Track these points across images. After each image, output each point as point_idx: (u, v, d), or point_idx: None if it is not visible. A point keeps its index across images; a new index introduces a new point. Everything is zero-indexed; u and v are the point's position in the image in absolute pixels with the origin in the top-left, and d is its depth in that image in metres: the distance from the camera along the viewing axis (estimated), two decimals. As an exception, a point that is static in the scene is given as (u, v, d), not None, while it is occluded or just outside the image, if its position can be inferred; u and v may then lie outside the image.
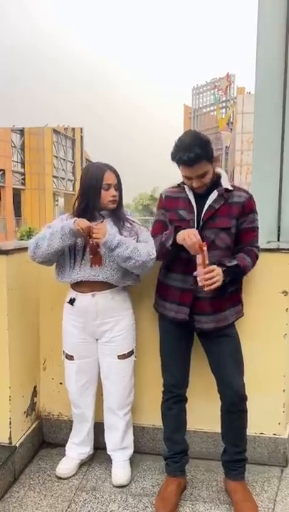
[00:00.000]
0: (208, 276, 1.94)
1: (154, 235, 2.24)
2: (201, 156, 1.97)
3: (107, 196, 2.20)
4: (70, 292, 2.31)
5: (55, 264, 2.29)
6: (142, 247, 2.13)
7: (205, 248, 1.93)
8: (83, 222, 2.07)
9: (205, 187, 2.08)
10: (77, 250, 2.19)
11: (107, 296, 2.24)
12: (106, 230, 2.06)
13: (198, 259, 1.94)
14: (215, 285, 1.96)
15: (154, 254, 2.14)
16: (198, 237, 1.96)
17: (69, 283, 2.26)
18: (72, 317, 2.29)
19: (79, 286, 2.25)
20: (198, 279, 1.97)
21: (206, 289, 1.97)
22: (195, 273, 1.98)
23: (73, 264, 2.20)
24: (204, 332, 2.15)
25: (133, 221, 2.30)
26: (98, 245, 2.07)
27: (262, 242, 2.28)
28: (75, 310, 2.27)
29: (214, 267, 1.96)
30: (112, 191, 2.20)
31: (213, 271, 1.95)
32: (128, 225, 2.26)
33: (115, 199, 2.22)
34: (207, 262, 1.94)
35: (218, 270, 1.96)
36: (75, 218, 2.13)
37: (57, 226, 2.13)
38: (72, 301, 2.27)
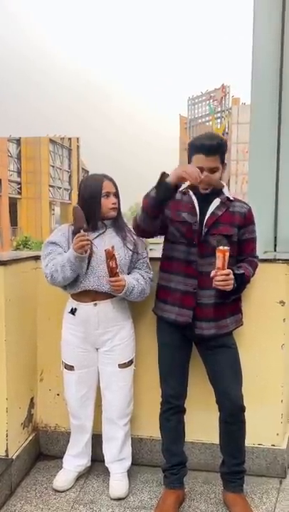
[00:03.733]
0: (224, 278, 1.98)
1: None
2: (221, 148, 2.06)
3: (108, 204, 2.23)
4: (70, 302, 2.31)
5: None
6: (144, 283, 2.25)
7: (228, 254, 1.96)
8: (77, 241, 2.10)
9: (210, 187, 2.10)
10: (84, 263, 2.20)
11: (109, 305, 2.25)
12: (124, 282, 2.14)
13: (219, 263, 1.97)
14: (226, 288, 2.00)
15: (151, 278, 2.29)
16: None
17: (72, 292, 2.27)
18: (73, 327, 2.29)
19: (80, 295, 2.26)
20: (215, 278, 1.99)
21: (218, 287, 1.99)
22: (212, 273, 1.99)
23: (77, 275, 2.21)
24: (203, 341, 2.16)
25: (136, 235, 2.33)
26: (117, 266, 2.13)
27: (258, 253, 2.30)
28: (76, 320, 2.27)
29: (230, 271, 2.00)
30: (112, 199, 2.25)
31: (229, 274, 1.99)
32: (132, 239, 2.30)
33: (115, 206, 2.26)
34: (226, 267, 1.98)
35: (232, 275, 2.00)
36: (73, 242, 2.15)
37: (63, 259, 2.16)
38: (73, 311, 2.27)
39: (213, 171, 2.07)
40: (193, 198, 2.16)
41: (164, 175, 1.97)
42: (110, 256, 2.11)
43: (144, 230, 2.13)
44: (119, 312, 2.29)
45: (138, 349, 2.41)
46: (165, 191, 1.97)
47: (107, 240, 2.25)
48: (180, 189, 2.20)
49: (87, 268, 2.20)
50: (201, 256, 2.09)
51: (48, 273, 2.20)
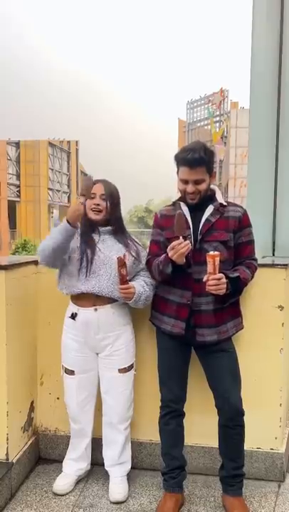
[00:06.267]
0: (216, 282, 1.99)
1: (150, 254, 2.30)
2: (204, 160, 2.07)
3: (90, 205, 2.25)
4: (70, 307, 2.33)
5: (57, 275, 2.33)
6: (149, 289, 2.26)
7: (218, 259, 1.98)
8: (74, 207, 2.12)
9: (198, 197, 2.12)
10: (83, 264, 2.22)
11: (109, 310, 2.26)
12: (134, 289, 2.17)
13: (209, 268, 1.99)
14: (219, 292, 2.02)
15: (154, 284, 2.28)
16: (184, 245, 2.00)
17: (72, 293, 2.28)
18: (74, 331, 2.31)
19: (81, 300, 2.27)
20: (207, 283, 2.01)
21: (211, 291, 2.02)
22: (204, 278, 2.01)
23: (78, 275, 2.23)
24: (203, 346, 2.17)
25: (138, 244, 2.37)
26: (127, 274, 2.16)
27: (257, 257, 2.31)
28: (76, 324, 2.29)
29: (222, 275, 2.01)
30: (96, 200, 2.25)
31: (220, 279, 2.00)
32: (134, 246, 2.32)
33: (98, 208, 2.25)
34: (217, 272, 1.99)
35: (224, 279, 2.01)
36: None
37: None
38: (74, 316, 2.28)
39: (198, 182, 2.09)
40: (185, 209, 2.17)
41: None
42: (122, 264, 2.12)
43: (165, 281, 2.21)
44: (120, 317, 2.30)
45: (138, 353, 2.43)
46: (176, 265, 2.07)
47: (110, 245, 2.27)
48: (173, 201, 2.26)
49: (88, 271, 2.22)
50: (197, 263, 2.10)
51: (40, 246, 2.23)
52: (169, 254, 2.03)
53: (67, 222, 2.12)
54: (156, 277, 2.23)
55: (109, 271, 2.22)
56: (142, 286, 2.24)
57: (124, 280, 2.15)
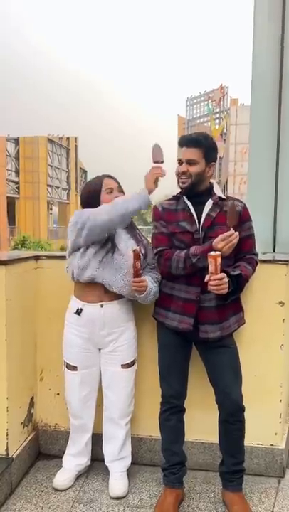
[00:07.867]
0: (218, 282, 1.98)
1: (162, 245, 2.19)
2: (200, 142, 2.10)
3: (110, 200, 2.19)
4: (74, 302, 2.30)
5: (68, 265, 2.28)
6: (156, 285, 2.23)
7: (219, 259, 1.97)
8: (153, 171, 2.15)
9: (189, 181, 2.11)
10: (103, 251, 2.20)
11: (115, 306, 2.26)
12: (147, 283, 2.15)
13: (211, 268, 1.97)
14: (221, 291, 2.00)
15: (159, 280, 2.25)
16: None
17: (84, 281, 2.22)
18: (78, 327, 2.29)
19: (86, 295, 2.25)
20: (209, 283, 2.00)
21: (213, 291, 2.01)
22: (206, 278, 2.00)
23: (94, 262, 2.19)
24: (205, 342, 2.16)
25: (145, 238, 2.36)
26: (141, 267, 2.13)
27: (258, 252, 2.30)
28: (81, 320, 2.27)
29: (224, 275, 1.99)
30: (114, 193, 2.24)
31: (222, 279, 1.98)
32: (143, 242, 2.31)
33: None
34: (219, 271, 1.98)
35: (226, 279, 2.00)
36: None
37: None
38: (79, 312, 2.27)
39: (191, 163, 2.09)
40: (188, 203, 2.16)
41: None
42: (137, 257, 2.09)
43: (174, 277, 2.16)
44: (124, 313, 2.30)
45: (138, 349, 2.42)
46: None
47: (124, 239, 2.24)
48: (174, 194, 2.24)
49: (102, 260, 2.18)
50: None
51: (95, 212, 2.13)
52: (218, 246, 1.97)
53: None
54: (176, 271, 2.12)
55: (124, 266, 2.18)
56: (150, 281, 2.21)
57: (138, 274, 2.11)
